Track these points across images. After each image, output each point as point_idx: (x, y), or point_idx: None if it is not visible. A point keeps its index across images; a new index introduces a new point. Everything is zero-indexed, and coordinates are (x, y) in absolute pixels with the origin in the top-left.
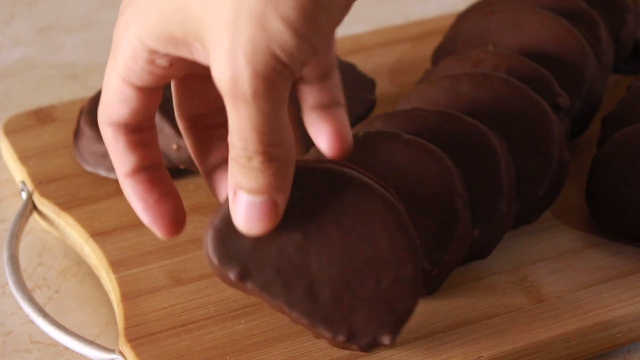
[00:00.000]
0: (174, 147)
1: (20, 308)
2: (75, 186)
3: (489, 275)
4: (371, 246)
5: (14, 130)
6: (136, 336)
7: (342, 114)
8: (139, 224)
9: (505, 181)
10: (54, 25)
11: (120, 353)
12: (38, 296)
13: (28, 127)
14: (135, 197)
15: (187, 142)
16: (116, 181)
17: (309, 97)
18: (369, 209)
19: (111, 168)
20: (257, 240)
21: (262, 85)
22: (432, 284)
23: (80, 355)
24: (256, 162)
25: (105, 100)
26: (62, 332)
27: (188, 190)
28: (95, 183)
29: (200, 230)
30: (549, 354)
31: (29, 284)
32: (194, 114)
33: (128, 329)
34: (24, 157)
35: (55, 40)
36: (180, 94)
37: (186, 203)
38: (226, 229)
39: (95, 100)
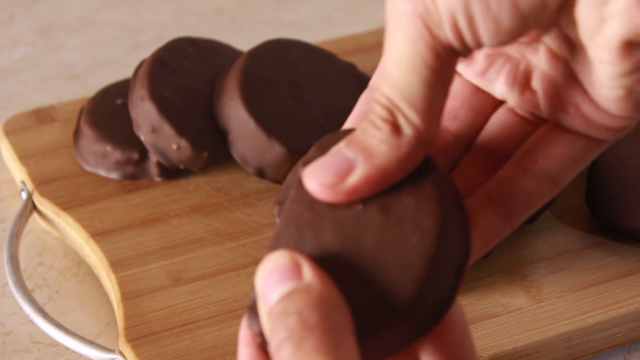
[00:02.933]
0: (174, 147)
1: (20, 308)
2: (75, 186)
3: (489, 275)
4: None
5: (14, 130)
6: (136, 336)
7: None
8: (139, 223)
9: None
10: (54, 25)
11: (120, 353)
12: (38, 296)
13: (28, 127)
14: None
15: None
16: (116, 181)
17: None
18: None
19: (111, 168)
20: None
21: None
22: None
23: (80, 355)
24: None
25: None
26: (62, 332)
27: (188, 190)
28: (95, 183)
29: (200, 230)
30: (549, 354)
31: (29, 284)
32: None
33: (128, 329)
34: (24, 157)
35: (55, 40)
36: None
37: (186, 203)
38: None
39: (95, 100)
